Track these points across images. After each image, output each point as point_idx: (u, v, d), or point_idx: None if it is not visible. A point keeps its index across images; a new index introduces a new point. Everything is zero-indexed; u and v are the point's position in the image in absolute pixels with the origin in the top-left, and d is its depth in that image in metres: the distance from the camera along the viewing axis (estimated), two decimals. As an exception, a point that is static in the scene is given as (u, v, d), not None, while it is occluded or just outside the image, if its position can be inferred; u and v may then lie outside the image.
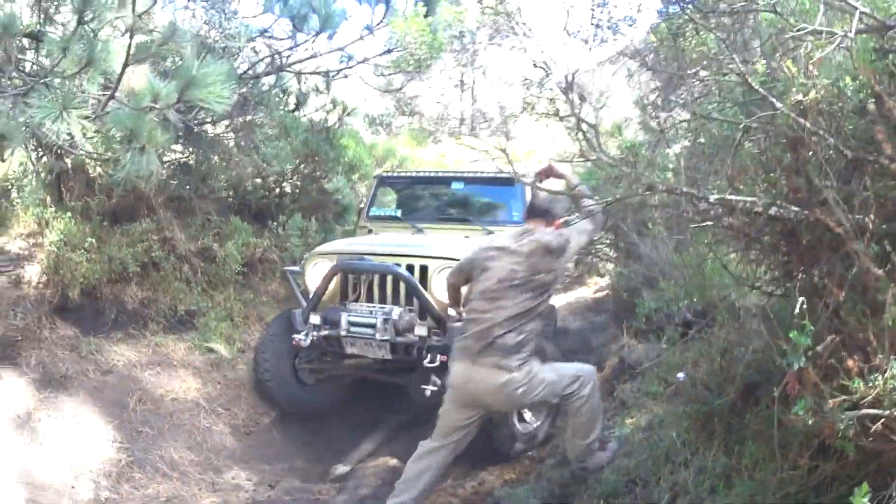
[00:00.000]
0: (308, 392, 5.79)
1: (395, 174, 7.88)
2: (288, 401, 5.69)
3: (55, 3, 5.59)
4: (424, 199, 7.39)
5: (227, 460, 5.13)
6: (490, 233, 5.83)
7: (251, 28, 6.72)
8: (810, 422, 2.11)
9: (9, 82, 4.09)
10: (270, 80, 7.30)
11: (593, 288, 10.33)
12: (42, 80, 4.18)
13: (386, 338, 4.94)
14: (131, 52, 3.81)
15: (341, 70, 7.50)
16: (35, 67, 5.16)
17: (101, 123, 4.13)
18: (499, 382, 3.68)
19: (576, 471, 4.21)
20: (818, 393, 2.11)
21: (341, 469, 5.25)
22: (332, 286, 5.35)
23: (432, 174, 7.51)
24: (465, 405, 3.86)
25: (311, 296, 5.43)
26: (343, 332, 5.08)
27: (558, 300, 9.12)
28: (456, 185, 6.93)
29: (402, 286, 5.15)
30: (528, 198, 5.76)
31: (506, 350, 3.68)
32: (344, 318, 5.09)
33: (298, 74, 7.47)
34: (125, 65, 3.81)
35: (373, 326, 5.00)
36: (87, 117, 3.71)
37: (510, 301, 3.73)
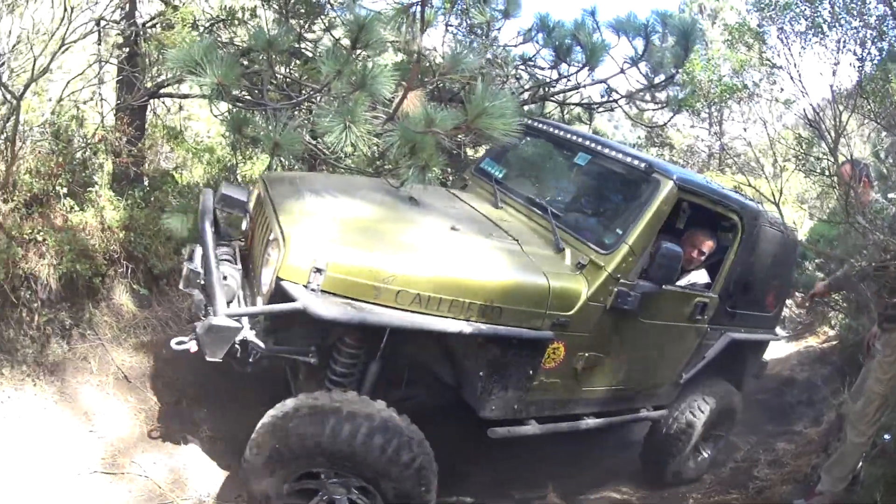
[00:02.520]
0: None
1: (543, 122, 5.72)
2: None
3: (307, 21, 6.06)
4: (543, 166, 5.55)
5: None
6: (560, 250, 4.33)
7: (515, 56, 6.89)
8: None
9: (269, 95, 4.42)
10: (532, 107, 7.33)
11: (822, 338, 9.92)
12: (307, 98, 4.55)
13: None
14: (399, 77, 3.96)
15: (605, 103, 7.48)
16: (287, 81, 5.60)
17: (379, 141, 4.25)
18: None
19: None
20: None
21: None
22: None
23: (576, 135, 5.25)
24: None
25: None
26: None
27: (788, 348, 9.04)
28: (581, 158, 5.01)
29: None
30: (655, 209, 4.28)
31: None
32: (186, 266, 3.88)
33: (563, 105, 7.58)
34: (407, 89, 3.98)
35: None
36: (368, 133, 3.83)
37: None
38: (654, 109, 7.77)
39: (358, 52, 3.83)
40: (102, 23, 5.52)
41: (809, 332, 10.21)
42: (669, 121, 8.77)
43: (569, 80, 7.01)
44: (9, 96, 4.69)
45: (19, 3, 5.12)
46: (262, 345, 3.55)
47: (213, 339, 3.36)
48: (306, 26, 6.09)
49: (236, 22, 6.10)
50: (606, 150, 4.84)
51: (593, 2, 14.81)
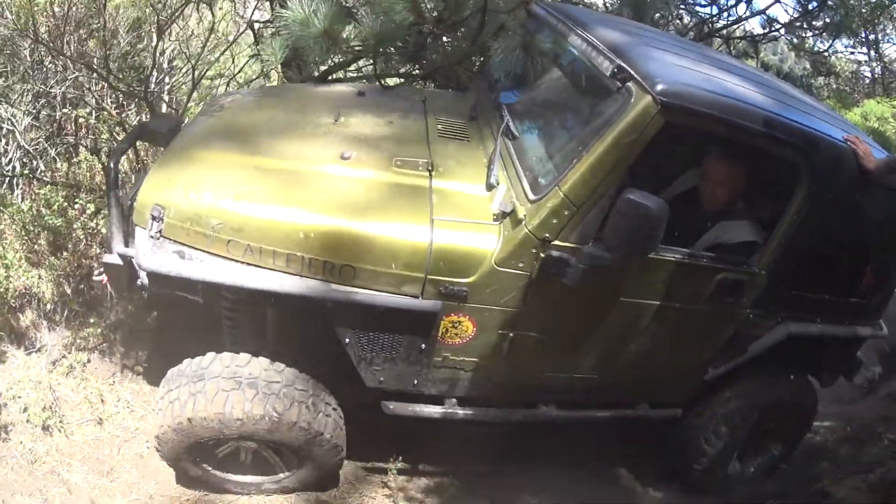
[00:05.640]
0: None
1: (545, 7, 3.98)
2: None
3: None
4: (537, 69, 3.57)
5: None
6: (491, 187, 3.08)
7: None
8: None
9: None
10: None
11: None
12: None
13: None
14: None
15: (767, 34, 7.37)
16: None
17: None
18: None
19: None
20: None
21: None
22: None
23: (570, 21, 3.57)
24: None
25: None
26: None
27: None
28: (567, 56, 3.51)
29: None
30: (613, 138, 2.75)
31: None
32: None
33: (728, 40, 7.48)
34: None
35: None
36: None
37: None
38: (812, 36, 7.71)
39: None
40: (256, 25, 5.73)
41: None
42: (830, 47, 9.00)
43: (729, 15, 7.00)
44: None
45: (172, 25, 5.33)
46: (146, 282, 3.04)
47: (110, 275, 3.21)
48: None
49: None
50: (579, 43, 3.31)
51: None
